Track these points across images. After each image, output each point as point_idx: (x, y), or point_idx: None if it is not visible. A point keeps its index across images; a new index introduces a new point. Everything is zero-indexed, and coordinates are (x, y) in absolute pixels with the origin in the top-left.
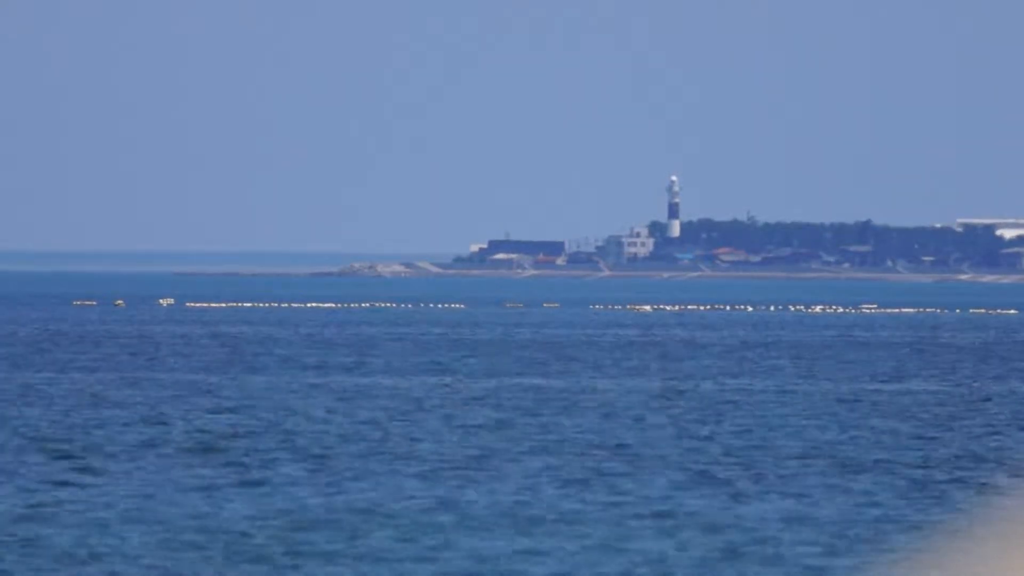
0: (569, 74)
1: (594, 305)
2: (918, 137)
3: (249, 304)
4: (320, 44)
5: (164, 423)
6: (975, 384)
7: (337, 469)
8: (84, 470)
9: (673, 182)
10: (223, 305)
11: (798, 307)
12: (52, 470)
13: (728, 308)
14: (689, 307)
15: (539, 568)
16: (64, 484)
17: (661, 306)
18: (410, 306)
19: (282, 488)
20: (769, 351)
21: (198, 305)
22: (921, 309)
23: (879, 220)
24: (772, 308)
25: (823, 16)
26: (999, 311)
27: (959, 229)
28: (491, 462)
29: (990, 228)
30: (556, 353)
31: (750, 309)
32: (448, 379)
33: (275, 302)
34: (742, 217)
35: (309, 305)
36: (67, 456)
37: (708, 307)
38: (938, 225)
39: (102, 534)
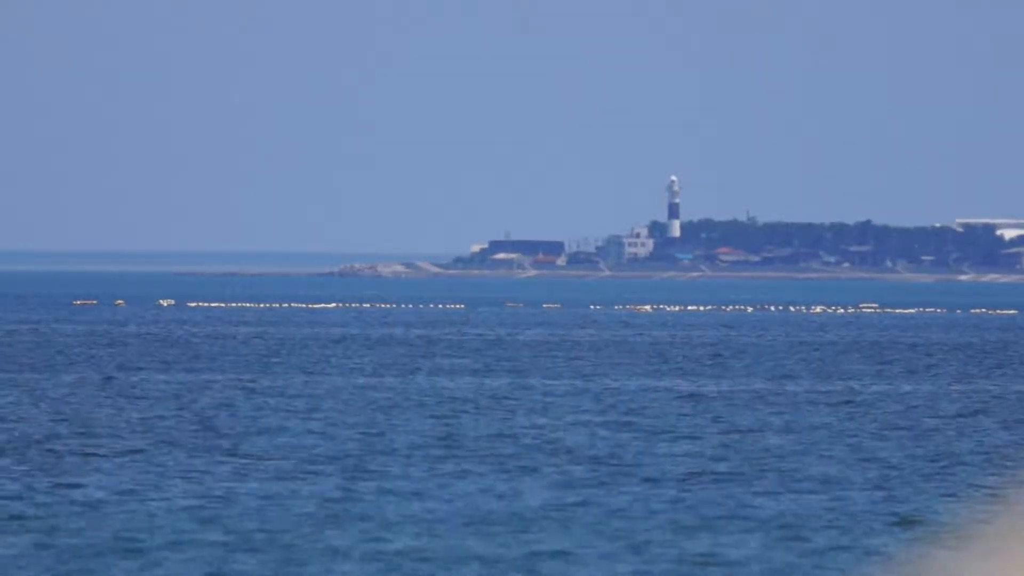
0: (569, 74)
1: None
2: (918, 137)
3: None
4: (321, 44)
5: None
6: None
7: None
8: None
9: (673, 182)
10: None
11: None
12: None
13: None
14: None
15: None
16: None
17: (660, 306)
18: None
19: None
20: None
21: (200, 304)
22: (921, 309)
23: (879, 220)
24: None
25: (823, 16)
26: (999, 311)
27: (959, 229)
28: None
29: (990, 228)
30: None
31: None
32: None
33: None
34: (742, 217)
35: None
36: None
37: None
38: (938, 225)
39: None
